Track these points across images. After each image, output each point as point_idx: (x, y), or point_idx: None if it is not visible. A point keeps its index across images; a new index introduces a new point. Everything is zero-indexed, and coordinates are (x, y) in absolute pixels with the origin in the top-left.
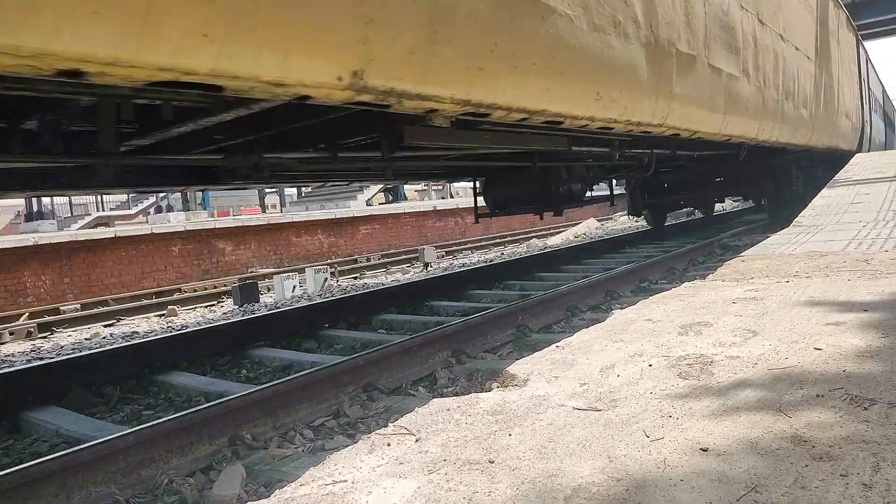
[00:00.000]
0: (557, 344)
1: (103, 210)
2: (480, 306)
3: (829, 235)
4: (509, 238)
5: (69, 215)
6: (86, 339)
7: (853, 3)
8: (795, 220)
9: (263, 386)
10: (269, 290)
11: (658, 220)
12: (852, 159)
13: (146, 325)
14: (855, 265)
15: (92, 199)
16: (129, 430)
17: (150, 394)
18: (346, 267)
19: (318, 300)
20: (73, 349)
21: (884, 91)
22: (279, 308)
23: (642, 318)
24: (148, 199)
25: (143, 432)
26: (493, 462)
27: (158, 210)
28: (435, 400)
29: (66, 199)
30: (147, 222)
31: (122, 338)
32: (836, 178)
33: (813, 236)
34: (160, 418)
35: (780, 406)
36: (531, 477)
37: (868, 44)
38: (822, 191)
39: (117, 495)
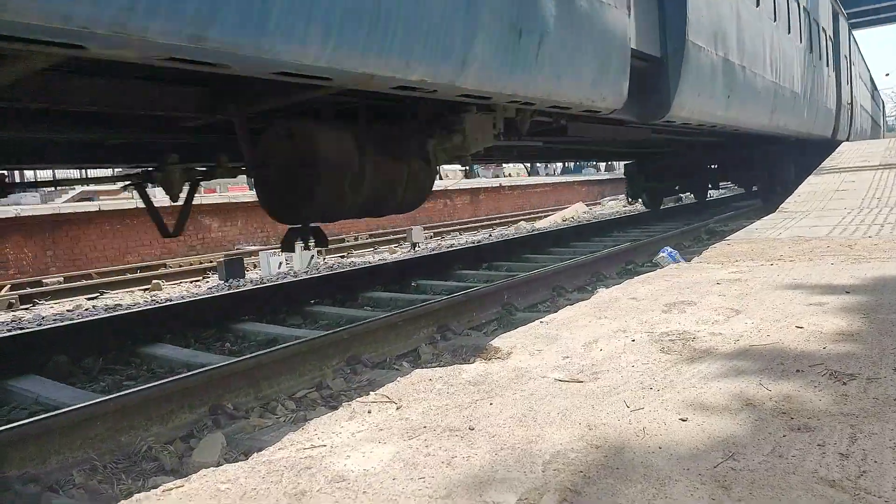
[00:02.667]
0: (542, 320)
1: (87, 185)
2: (467, 285)
3: (814, 221)
4: (497, 221)
5: (53, 189)
6: (67, 310)
7: None
8: (781, 206)
9: (245, 357)
10: (255, 266)
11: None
12: (839, 147)
13: (130, 299)
14: (838, 250)
15: (76, 173)
16: (107, 398)
17: (132, 365)
18: (333, 246)
19: (305, 276)
20: (55, 320)
21: (871, 77)
22: (265, 283)
23: (627, 297)
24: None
25: (121, 399)
26: (472, 429)
27: None
28: (417, 370)
29: (49, 171)
30: (132, 197)
31: (105, 310)
32: (822, 165)
33: (798, 222)
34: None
35: (761, 380)
36: (510, 443)
37: (860, 32)
38: (809, 178)
39: (95, 460)
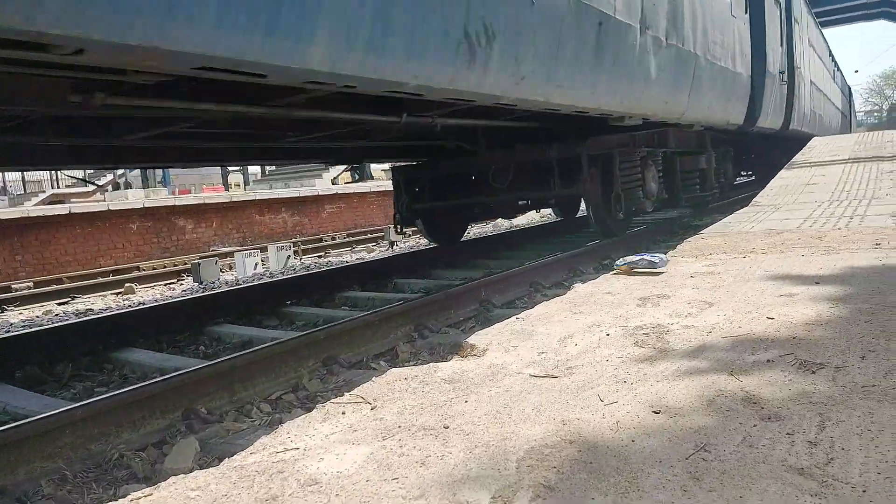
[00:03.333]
0: (518, 316)
1: (59, 187)
2: (445, 283)
3: (785, 214)
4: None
5: (22, 192)
6: (37, 316)
7: None
8: (754, 199)
9: (219, 360)
10: (230, 268)
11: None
12: (810, 142)
13: (102, 303)
14: (809, 242)
15: (46, 175)
16: (76, 405)
17: (103, 371)
18: (311, 245)
19: (281, 277)
20: (24, 326)
21: (831, 55)
22: (240, 285)
23: (602, 292)
24: (106, 175)
25: (92, 406)
26: (447, 427)
27: (116, 187)
28: (393, 370)
29: (19, 174)
30: (104, 199)
31: (76, 315)
32: (793, 160)
33: (770, 215)
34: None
35: (732, 370)
36: (485, 441)
37: (828, 30)
38: (781, 171)
39: (64, 470)
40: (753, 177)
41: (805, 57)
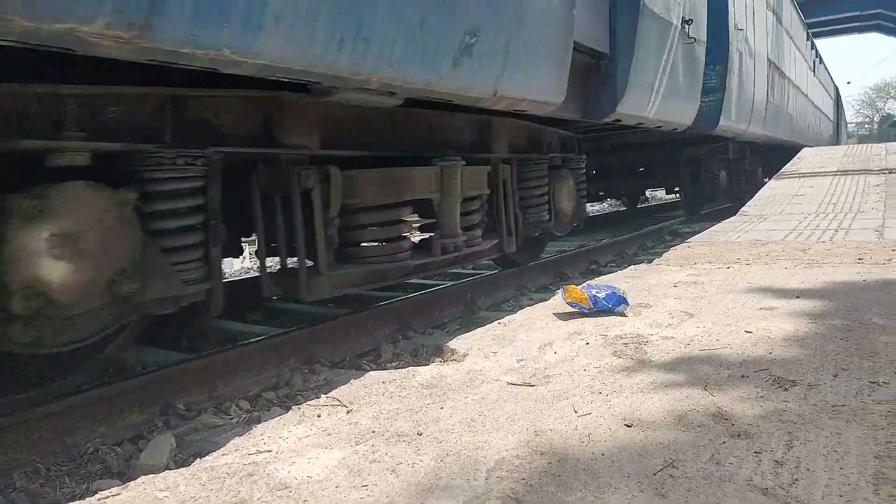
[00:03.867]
0: (500, 321)
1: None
2: (432, 283)
3: (772, 225)
4: None
5: None
6: None
7: (805, 1)
8: (742, 209)
9: (200, 355)
10: None
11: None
12: (800, 153)
13: None
14: (793, 254)
15: None
16: (53, 398)
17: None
18: None
19: (269, 272)
20: None
21: (808, 36)
22: (226, 278)
23: None
24: None
25: (68, 401)
26: (421, 434)
27: None
28: (372, 373)
29: None
30: None
31: None
32: (783, 170)
33: (757, 225)
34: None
35: (707, 385)
36: (456, 449)
37: (821, 41)
38: (770, 182)
39: (38, 462)
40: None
41: (751, 18)
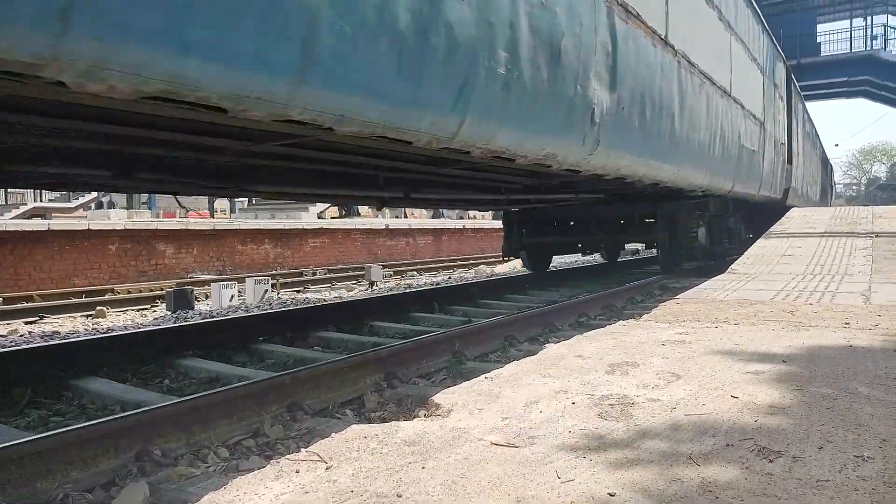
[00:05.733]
0: (486, 375)
1: (41, 201)
2: (420, 329)
3: (760, 284)
4: (459, 262)
5: (3, 203)
6: (2, 335)
7: (798, 66)
8: (731, 266)
9: (179, 399)
10: (206, 297)
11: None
12: (788, 213)
13: (71, 325)
14: (781, 315)
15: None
16: (24, 440)
17: (62, 399)
18: (290, 280)
19: (256, 312)
20: None
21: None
22: (214, 317)
23: (573, 354)
24: (90, 192)
25: (40, 442)
26: (400, 496)
27: (99, 206)
28: (354, 426)
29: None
30: (86, 217)
31: (42, 337)
32: (771, 229)
33: (745, 284)
34: (68, 426)
35: (691, 454)
36: None
37: (812, 104)
38: (759, 240)
39: None
40: None
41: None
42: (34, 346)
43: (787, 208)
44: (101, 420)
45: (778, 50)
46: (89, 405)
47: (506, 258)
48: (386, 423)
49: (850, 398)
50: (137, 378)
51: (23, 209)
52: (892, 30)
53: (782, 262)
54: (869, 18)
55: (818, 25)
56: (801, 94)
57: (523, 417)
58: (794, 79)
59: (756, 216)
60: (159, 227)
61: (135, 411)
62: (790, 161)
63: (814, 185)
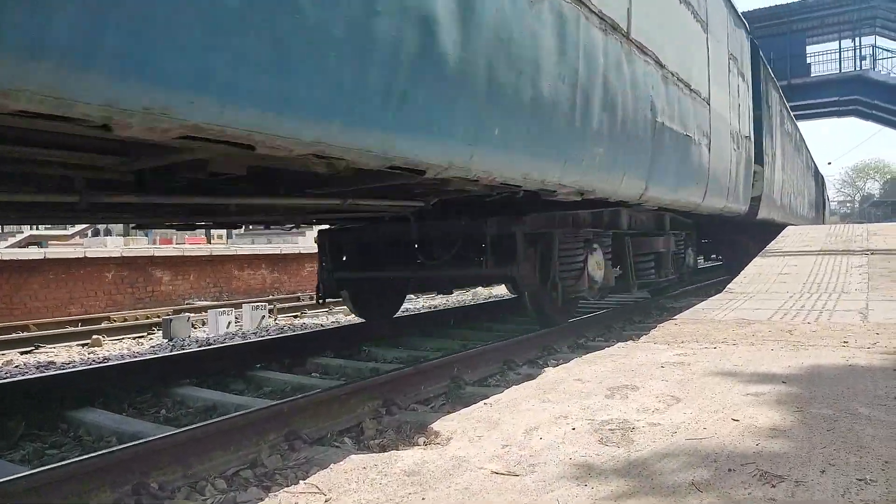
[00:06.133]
0: (486, 401)
1: (37, 228)
2: (419, 354)
3: (757, 304)
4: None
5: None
6: None
7: (790, 86)
8: (728, 286)
9: (176, 431)
10: (203, 323)
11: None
12: (784, 231)
13: (66, 355)
14: (779, 335)
15: None
16: (19, 475)
17: (58, 431)
18: (288, 305)
19: (253, 339)
20: None
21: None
22: (210, 345)
23: (573, 378)
24: None
25: (35, 477)
26: None
27: (96, 233)
28: (353, 456)
29: None
30: (82, 245)
31: (37, 367)
32: (767, 248)
33: (743, 303)
34: (64, 459)
35: (693, 480)
36: None
37: (805, 124)
38: (755, 259)
39: None
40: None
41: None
42: (29, 377)
43: (761, 224)
44: (96, 454)
45: (738, 16)
46: (85, 437)
47: (320, 300)
48: (385, 452)
49: (851, 419)
50: (134, 408)
51: (19, 237)
52: (881, 50)
53: (779, 281)
54: (857, 39)
55: (808, 47)
56: (788, 105)
57: (524, 444)
58: (767, 63)
59: (723, 235)
60: (156, 254)
61: (131, 444)
62: (760, 162)
63: (799, 196)
